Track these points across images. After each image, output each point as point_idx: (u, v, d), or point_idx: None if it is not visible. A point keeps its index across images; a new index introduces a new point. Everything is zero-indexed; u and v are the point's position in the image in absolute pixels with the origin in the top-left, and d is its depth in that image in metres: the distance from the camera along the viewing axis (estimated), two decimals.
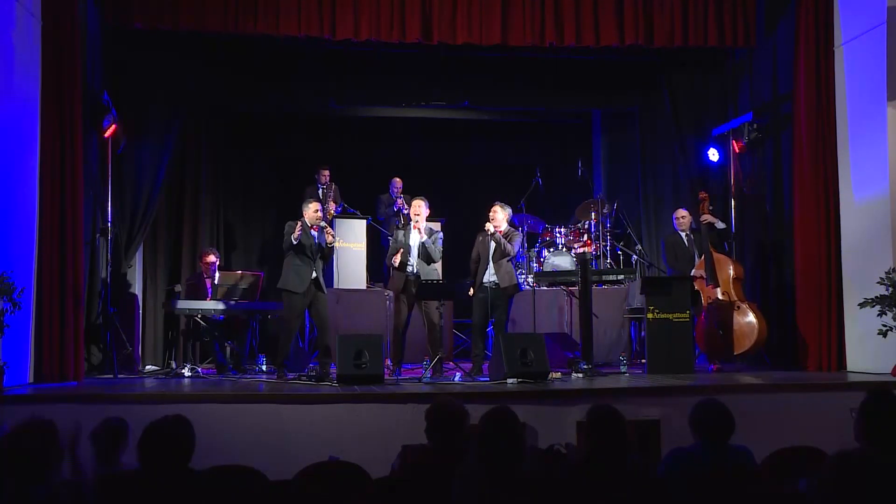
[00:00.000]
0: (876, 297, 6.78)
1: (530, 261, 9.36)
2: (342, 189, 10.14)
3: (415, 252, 7.47)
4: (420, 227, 7.48)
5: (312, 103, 10.31)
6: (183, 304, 7.91)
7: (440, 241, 7.57)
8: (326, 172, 9.90)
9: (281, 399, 5.93)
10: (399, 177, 10.14)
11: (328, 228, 7.40)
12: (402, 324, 7.43)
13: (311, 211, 7.31)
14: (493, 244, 7.42)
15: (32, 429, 2.98)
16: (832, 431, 4.77)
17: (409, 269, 7.44)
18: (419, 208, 7.52)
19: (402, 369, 7.43)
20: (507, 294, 7.42)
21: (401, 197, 9.85)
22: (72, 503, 2.89)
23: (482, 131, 11.62)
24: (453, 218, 9.81)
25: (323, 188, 9.84)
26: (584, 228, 9.41)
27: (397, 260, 7.44)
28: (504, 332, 7.31)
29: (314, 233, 7.24)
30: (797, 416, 5.99)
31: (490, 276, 7.41)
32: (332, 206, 9.70)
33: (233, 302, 7.97)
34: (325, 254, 7.35)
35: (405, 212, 9.52)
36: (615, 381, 6.87)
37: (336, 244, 7.88)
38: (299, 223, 7.18)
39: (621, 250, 9.46)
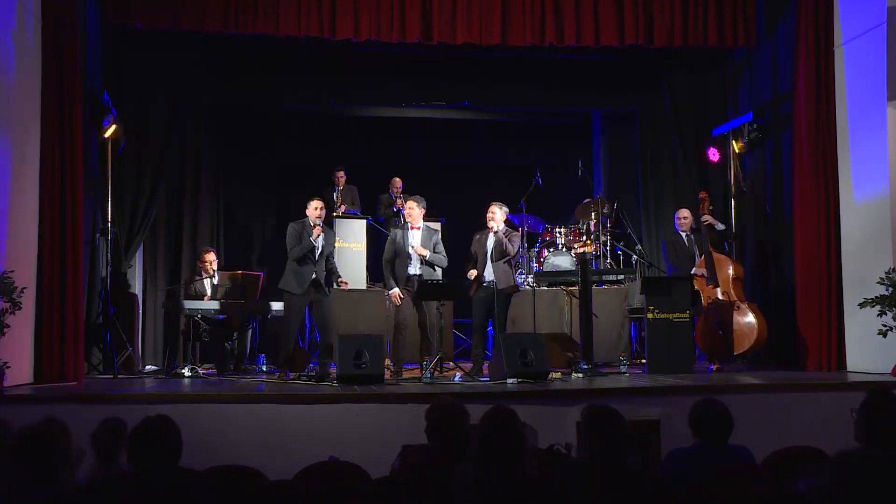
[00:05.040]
0: (876, 297, 6.77)
1: (530, 261, 9.36)
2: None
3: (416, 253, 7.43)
4: (419, 226, 7.45)
5: (312, 103, 10.31)
6: (183, 304, 7.91)
7: (440, 243, 7.52)
8: (342, 174, 9.90)
9: (281, 399, 5.93)
10: (399, 177, 10.13)
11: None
12: (405, 324, 7.42)
13: (310, 209, 7.28)
14: (490, 244, 7.39)
15: (46, 429, 2.98)
16: (832, 431, 4.79)
17: (412, 270, 7.42)
18: (415, 210, 7.49)
19: (403, 370, 7.41)
20: (505, 294, 7.40)
21: (401, 197, 9.83)
22: None
23: (482, 131, 11.61)
24: (453, 218, 9.79)
25: (339, 190, 9.84)
26: (584, 228, 9.41)
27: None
28: (504, 332, 7.29)
29: (315, 233, 7.24)
30: (797, 416, 5.99)
31: (488, 276, 7.39)
32: (342, 208, 9.71)
33: (233, 302, 7.96)
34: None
35: (405, 212, 9.50)
36: (615, 381, 6.86)
37: (336, 244, 7.81)
38: (316, 227, 7.14)
39: (621, 250, 9.45)
